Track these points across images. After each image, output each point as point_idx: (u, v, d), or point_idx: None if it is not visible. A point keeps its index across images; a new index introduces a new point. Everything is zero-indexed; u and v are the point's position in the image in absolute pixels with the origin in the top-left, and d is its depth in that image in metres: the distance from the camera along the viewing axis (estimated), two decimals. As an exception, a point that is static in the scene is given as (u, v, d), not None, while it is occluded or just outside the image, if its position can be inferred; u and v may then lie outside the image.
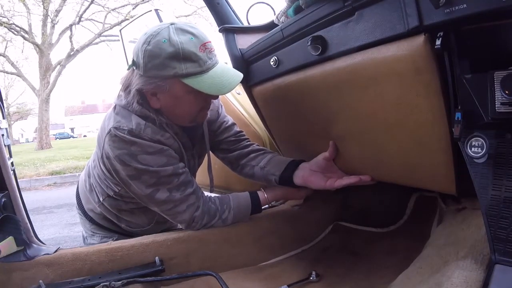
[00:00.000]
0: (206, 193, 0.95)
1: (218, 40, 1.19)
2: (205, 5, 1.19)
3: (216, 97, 0.86)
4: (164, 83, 0.76)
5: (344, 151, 0.89)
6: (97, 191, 0.97)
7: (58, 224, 3.26)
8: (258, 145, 1.09)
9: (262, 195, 0.97)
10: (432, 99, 0.58)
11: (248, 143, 1.08)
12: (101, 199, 0.97)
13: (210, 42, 0.78)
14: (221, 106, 1.07)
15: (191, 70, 0.74)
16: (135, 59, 0.78)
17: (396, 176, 0.80)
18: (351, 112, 0.77)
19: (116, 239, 1.00)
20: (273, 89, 0.97)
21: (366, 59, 0.64)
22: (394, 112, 0.66)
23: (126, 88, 0.83)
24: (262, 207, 0.99)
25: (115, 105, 0.86)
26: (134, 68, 0.79)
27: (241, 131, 1.10)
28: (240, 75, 0.81)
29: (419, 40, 0.54)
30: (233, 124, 1.09)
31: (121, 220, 1.01)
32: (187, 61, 0.74)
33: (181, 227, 0.95)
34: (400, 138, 0.70)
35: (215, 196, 0.95)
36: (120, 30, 1.87)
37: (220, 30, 1.13)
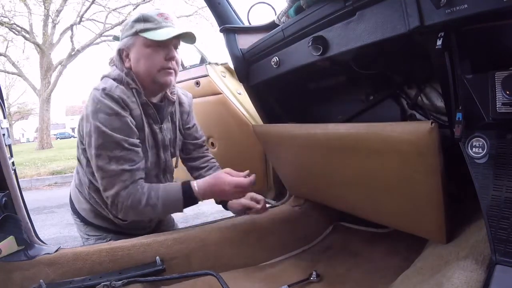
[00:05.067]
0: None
1: (219, 40, 1.20)
2: (206, 5, 1.20)
3: (171, 56, 0.93)
4: (131, 40, 0.94)
5: (341, 195, 0.96)
6: (83, 182, 0.99)
7: (58, 224, 3.26)
8: (213, 159, 1.15)
9: (193, 186, 0.93)
10: (430, 176, 0.63)
11: (206, 155, 1.15)
12: (87, 189, 0.98)
13: (168, 13, 0.93)
14: (193, 116, 1.13)
15: (148, 26, 0.91)
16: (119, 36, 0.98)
17: (391, 222, 0.88)
18: (350, 171, 0.83)
19: (110, 239, 1.00)
20: (278, 135, 1.02)
21: (371, 133, 0.69)
22: (392, 180, 0.73)
23: (111, 60, 0.99)
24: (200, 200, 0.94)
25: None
26: (118, 41, 0.97)
27: (203, 144, 1.15)
28: (188, 30, 0.91)
29: (425, 126, 0.58)
30: (200, 132, 1.15)
31: (110, 212, 0.98)
32: (146, 22, 0.91)
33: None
34: (396, 197, 0.75)
35: (149, 184, 0.92)
36: (121, 30, 1.87)
37: (221, 30, 1.13)
